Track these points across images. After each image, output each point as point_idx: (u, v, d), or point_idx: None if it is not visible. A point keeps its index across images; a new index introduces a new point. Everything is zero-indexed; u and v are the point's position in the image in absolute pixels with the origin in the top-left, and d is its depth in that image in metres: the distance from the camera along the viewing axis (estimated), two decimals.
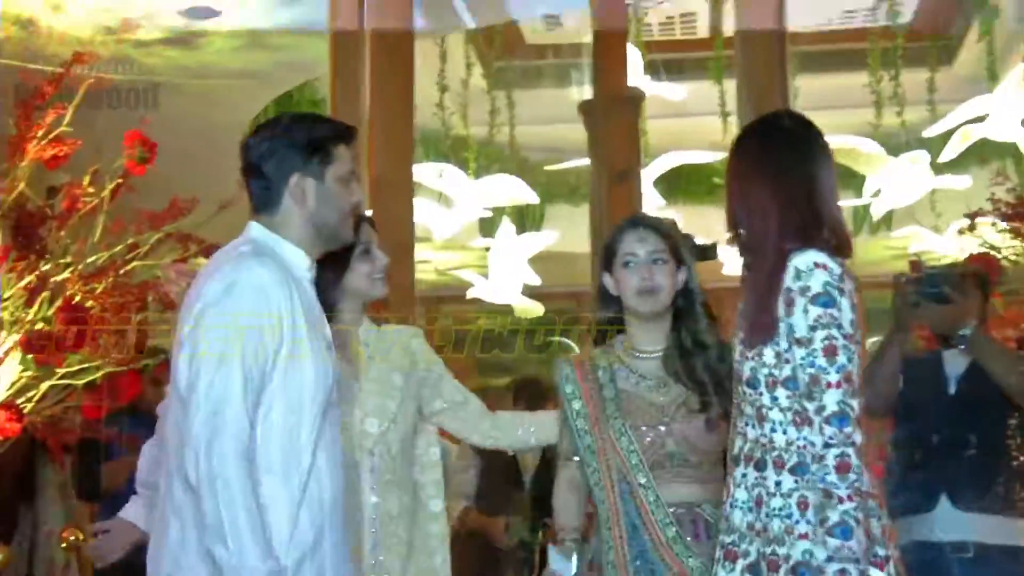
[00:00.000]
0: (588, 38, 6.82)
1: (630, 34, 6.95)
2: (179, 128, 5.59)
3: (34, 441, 5.97)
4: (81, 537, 6.42)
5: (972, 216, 5.87)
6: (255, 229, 3.08)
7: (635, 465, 3.14)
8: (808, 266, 2.74)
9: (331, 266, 3.29)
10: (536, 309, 9.01)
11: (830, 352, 2.71)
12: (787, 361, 2.79)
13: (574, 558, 3.23)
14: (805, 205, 2.86)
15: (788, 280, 2.76)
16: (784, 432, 2.81)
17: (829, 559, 2.67)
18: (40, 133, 5.05)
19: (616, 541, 3.15)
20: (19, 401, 5.01)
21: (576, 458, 3.27)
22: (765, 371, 2.82)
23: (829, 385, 2.70)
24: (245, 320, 2.92)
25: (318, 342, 3.00)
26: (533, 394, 5.65)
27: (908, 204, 7.81)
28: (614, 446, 3.17)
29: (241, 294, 2.90)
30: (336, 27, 4.61)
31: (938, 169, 7.58)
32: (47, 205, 5.13)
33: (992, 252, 5.90)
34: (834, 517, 2.67)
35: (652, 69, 7.09)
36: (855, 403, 2.71)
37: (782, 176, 2.88)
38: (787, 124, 3.00)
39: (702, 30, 7.86)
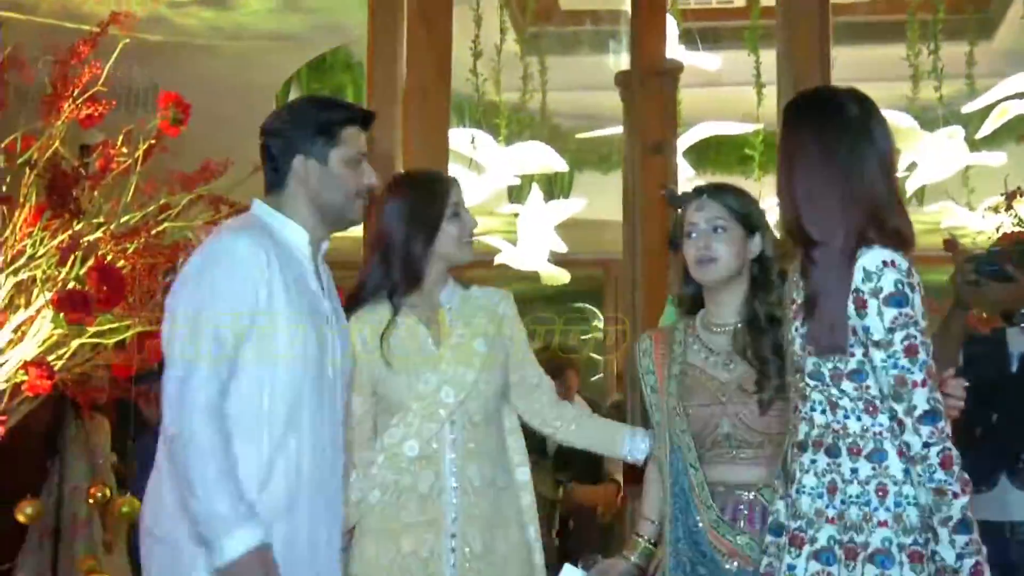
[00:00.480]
0: (626, 5, 6.77)
1: (668, 2, 6.89)
2: (213, 89, 5.57)
3: (63, 398, 6.01)
4: (107, 494, 6.47)
5: (1011, 195, 5.82)
6: (256, 206, 3.19)
7: (686, 445, 3.13)
8: (877, 266, 2.70)
9: (421, 229, 3.30)
10: (563, 276, 9.00)
11: (911, 352, 2.68)
12: (852, 355, 2.77)
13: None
14: (871, 201, 2.81)
15: (857, 282, 2.73)
16: (858, 419, 2.81)
17: (960, 556, 2.66)
18: (75, 92, 5.03)
19: (669, 517, 3.16)
20: (50, 359, 5.02)
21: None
22: (830, 366, 2.80)
23: (915, 384, 2.68)
24: (219, 288, 2.97)
25: (303, 318, 3.02)
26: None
27: (942, 179, 7.73)
28: (670, 423, 3.17)
29: (216, 264, 2.99)
30: None
31: (974, 145, 7.50)
32: (81, 164, 5.13)
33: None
34: (956, 514, 2.66)
35: (688, 38, 7.02)
36: (939, 395, 2.71)
37: (849, 169, 2.83)
38: (853, 109, 2.91)
39: None
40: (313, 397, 3.03)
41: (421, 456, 3.21)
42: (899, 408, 2.70)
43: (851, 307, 2.74)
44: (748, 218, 3.18)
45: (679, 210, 3.25)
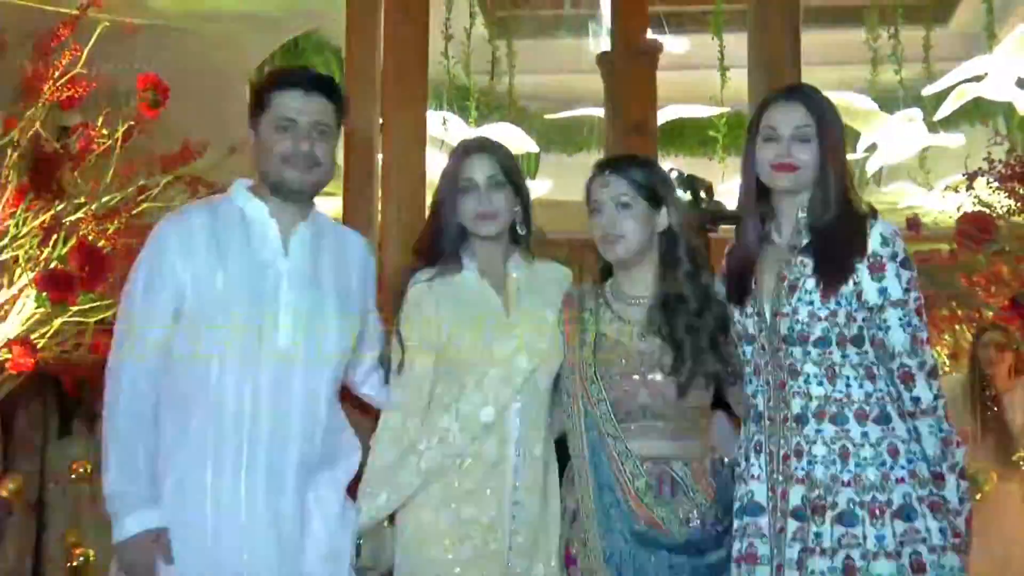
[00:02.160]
0: None
1: None
2: (189, 71, 5.56)
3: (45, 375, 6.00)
4: (88, 468, 6.47)
5: (971, 176, 5.87)
6: (233, 185, 3.15)
7: (604, 414, 3.06)
8: (892, 233, 2.86)
9: (446, 197, 3.26)
10: None
11: (920, 312, 2.85)
12: (853, 320, 2.86)
13: None
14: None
15: (876, 246, 2.84)
16: (860, 385, 2.88)
17: (961, 500, 2.82)
18: (55, 74, 5.03)
19: (583, 491, 3.10)
20: (33, 337, 5.02)
21: None
22: (836, 331, 2.86)
23: (923, 343, 2.85)
24: (138, 279, 3.01)
25: (234, 293, 2.98)
26: None
27: (901, 160, 7.80)
28: (586, 392, 3.09)
29: (148, 246, 3.04)
30: None
31: (932, 127, 7.57)
32: (62, 146, 5.12)
33: (985, 210, 5.93)
34: (960, 460, 2.82)
35: (655, 23, 7.04)
36: None
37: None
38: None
39: None
40: (245, 371, 2.96)
41: (493, 425, 3.12)
42: (912, 363, 2.81)
43: (864, 272, 2.85)
44: (654, 192, 3.11)
45: (586, 186, 3.17)
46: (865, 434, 2.85)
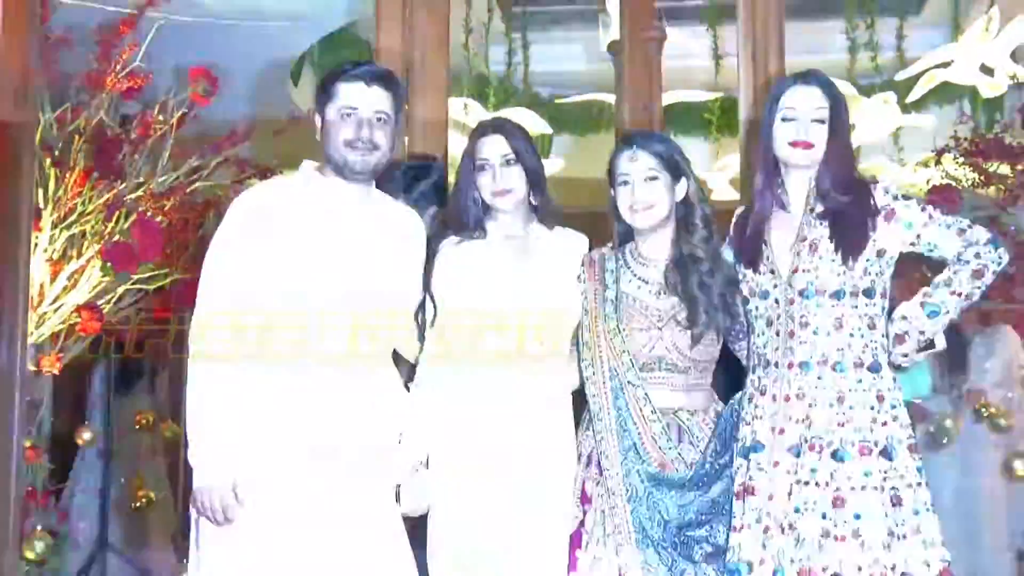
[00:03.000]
0: None
1: None
2: (238, 65, 5.56)
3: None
4: (151, 419, 6.49)
5: (939, 152, 5.86)
6: (304, 164, 3.18)
7: (626, 364, 3.08)
8: (889, 185, 3.06)
9: (464, 173, 3.26)
10: None
11: (944, 213, 3.04)
12: (867, 274, 2.95)
13: None
14: None
15: (881, 200, 3.02)
16: (862, 336, 2.94)
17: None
18: (117, 66, 5.04)
19: (606, 434, 3.08)
20: (99, 303, 5.04)
21: None
22: (851, 284, 2.93)
23: (966, 228, 3.00)
24: (217, 249, 3.04)
25: (306, 262, 3.00)
26: None
27: (877, 140, 7.75)
28: (609, 343, 3.10)
29: (226, 220, 3.07)
30: None
31: (905, 108, 7.52)
32: (123, 132, 5.13)
33: (952, 184, 5.92)
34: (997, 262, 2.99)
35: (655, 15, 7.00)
36: None
37: None
38: None
39: None
40: (317, 332, 2.99)
41: (514, 371, 3.13)
42: (971, 252, 2.94)
43: (880, 223, 2.96)
44: (676, 165, 3.13)
45: (610, 160, 3.19)
46: (859, 381, 2.93)
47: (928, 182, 6.10)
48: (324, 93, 3.12)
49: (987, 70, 6.74)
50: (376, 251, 3.10)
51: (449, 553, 3.12)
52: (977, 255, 2.90)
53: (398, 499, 3.13)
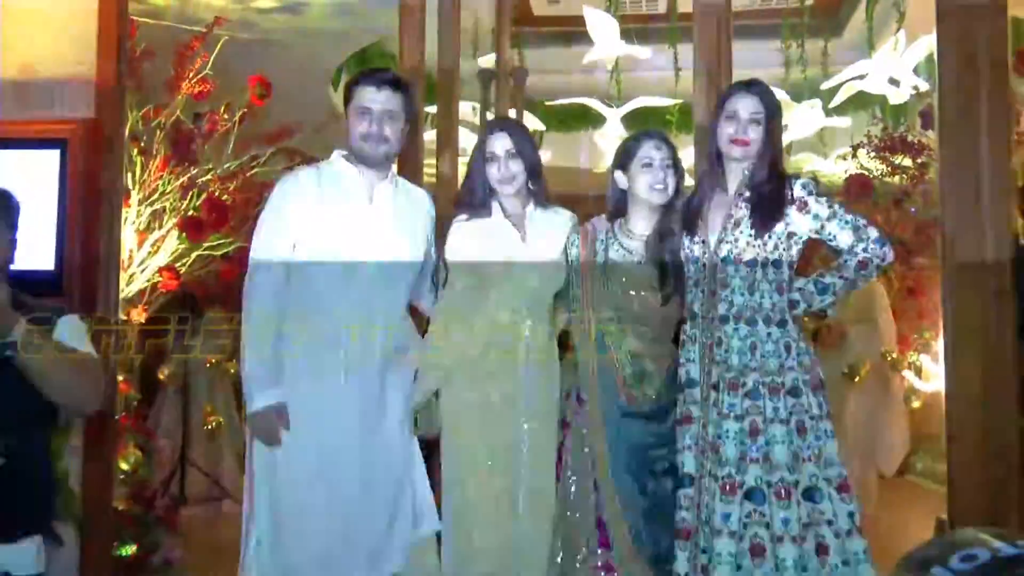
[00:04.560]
0: (581, 11, 6.74)
1: (610, 8, 6.86)
2: (287, 73, 5.55)
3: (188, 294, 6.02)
4: (218, 359, 6.50)
5: (855, 148, 5.87)
6: (335, 153, 3.16)
7: (607, 316, 3.09)
8: (807, 182, 3.03)
9: (475, 162, 3.24)
10: None
11: (848, 210, 3.03)
12: (776, 249, 2.95)
13: None
14: None
15: (797, 192, 3.00)
16: (771, 298, 2.95)
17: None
18: (190, 74, 5.05)
19: (588, 373, 3.10)
20: (176, 265, 5.05)
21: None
22: (763, 255, 2.93)
23: (864, 226, 3.00)
24: (268, 215, 3.05)
25: (335, 229, 3.01)
26: None
27: (805, 137, 7.73)
28: (596, 299, 3.11)
29: (270, 199, 3.08)
30: (403, 1, 4.52)
31: (828, 113, 7.49)
32: (195, 127, 5.14)
33: (866, 173, 5.92)
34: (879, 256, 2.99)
35: (626, 35, 6.94)
36: None
37: None
38: None
39: (662, 7, 7.67)
40: (344, 289, 2.99)
41: (510, 323, 3.13)
42: (860, 246, 2.95)
43: (793, 212, 2.96)
44: (678, 162, 3.16)
45: (632, 144, 3.18)
46: (769, 334, 2.93)
47: (846, 172, 6.11)
48: (347, 95, 3.12)
49: (894, 82, 6.71)
50: (388, 221, 3.10)
51: (456, 468, 3.13)
52: (865, 249, 2.93)
53: (416, 424, 3.14)
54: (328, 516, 2.94)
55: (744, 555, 2.81)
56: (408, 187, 3.30)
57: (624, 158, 3.17)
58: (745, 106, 3.02)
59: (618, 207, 3.23)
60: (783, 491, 2.83)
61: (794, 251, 3.00)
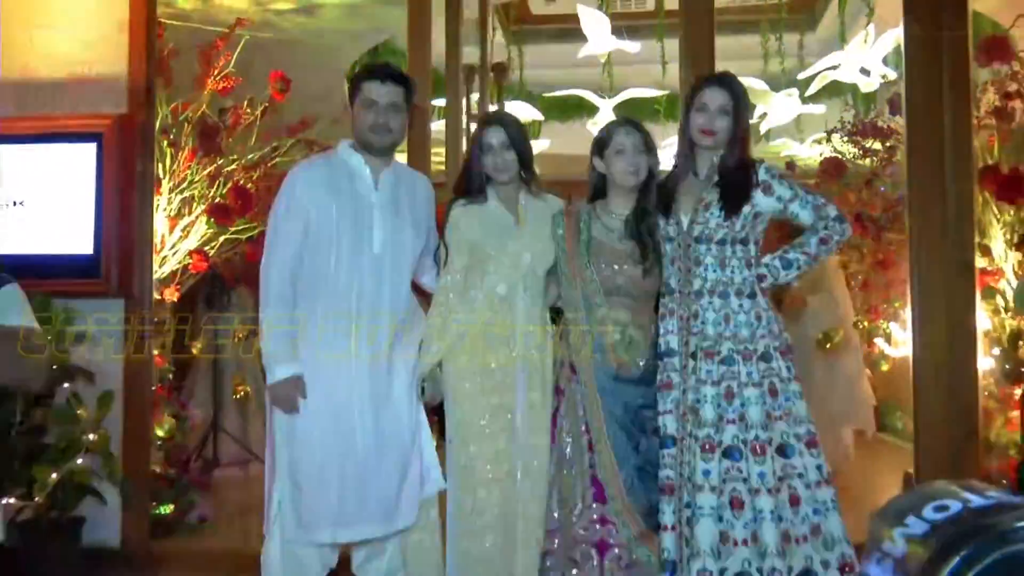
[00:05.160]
0: (575, 10, 6.71)
1: (602, 6, 6.83)
2: (304, 70, 5.53)
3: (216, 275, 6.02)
4: (245, 333, 6.51)
5: (829, 133, 5.84)
6: (339, 144, 3.14)
7: (594, 290, 3.08)
8: (770, 166, 3.01)
9: (472, 153, 3.23)
10: None
11: (810, 192, 3.00)
12: (744, 228, 2.94)
13: None
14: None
15: (762, 176, 2.98)
16: (741, 272, 2.95)
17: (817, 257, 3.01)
18: (215, 71, 5.04)
19: (579, 343, 3.09)
20: (206, 248, 5.05)
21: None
22: (731, 235, 2.93)
23: (823, 204, 2.99)
24: (280, 203, 3.03)
25: (344, 215, 2.98)
26: None
27: (783, 124, 7.69)
28: (582, 275, 3.10)
29: (281, 188, 3.05)
30: (411, 3, 4.50)
31: (804, 101, 7.45)
32: (221, 120, 5.14)
33: (839, 156, 5.90)
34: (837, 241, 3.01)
35: (617, 31, 6.91)
36: None
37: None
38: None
39: (650, 4, 7.63)
40: (352, 268, 2.97)
41: (506, 297, 3.12)
42: (821, 224, 2.95)
43: (759, 195, 2.94)
44: (650, 146, 3.13)
45: (607, 134, 3.16)
46: (741, 305, 2.93)
47: (821, 155, 6.09)
48: (354, 89, 3.09)
49: (865, 72, 6.67)
50: (392, 204, 3.08)
51: (459, 430, 3.14)
52: (825, 227, 2.93)
53: (422, 392, 3.15)
54: (342, 476, 2.95)
55: (725, 507, 2.83)
56: (409, 172, 3.30)
57: (600, 146, 3.16)
58: (714, 98, 2.99)
59: (598, 191, 3.22)
60: (758, 448, 2.84)
61: (759, 230, 3.00)
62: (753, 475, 2.83)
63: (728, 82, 3.04)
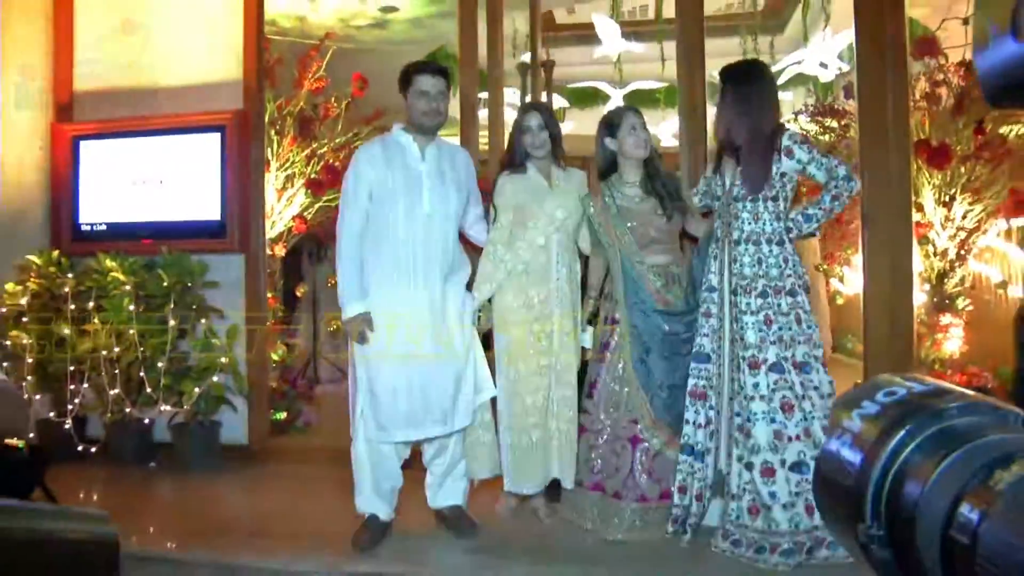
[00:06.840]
0: (591, 19, 6.61)
1: (613, 16, 6.71)
2: (378, 71, 5.52)
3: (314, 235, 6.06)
4: (335, 281, 6.56)
5: (796, 114, 5.74)
6: (394, 127, 3.09)
7: (629, 245, 3.05)
8: (793, 133, 2.87)
9: (514, 135, 3.19)
10: None
11: (825, 154, 2.87)
12: (773, 187, 2.86)
13: (589, 333, 3.22)
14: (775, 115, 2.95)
15: (784, 142, 2.85)
16: (772, 224, 2.86)
17: (831, 211, 2.88)
18: (310, 75, 5.02)
19: (623, 290, 3.07)
20: (304, 213, 5.07)
21: (598, 247, 3.20)
22: (764, 193, 2.87)
23: (835, 166, 2.85)
24: (350, 175, 2.97)
25: (399, 183, 2.92)
26: None
27: None
28: (619, 238, 3.07)
29: (353, 161, 2.99)
30: (462, 14, 4.45)
31: None
32: (314, 113, 5.13)
33: (804, 132, 5.78)
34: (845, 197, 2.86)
35: (625, 35, 6.81)
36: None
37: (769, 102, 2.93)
38: (758, 72, 2.96)
39: (651, 14, 7.48)
40: (408, 224, 2.94)
41: (544, 246, 3.12)
42: (832, 181, 2.82)
43: (784, 159, 2.82)
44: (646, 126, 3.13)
45: (617, 117, 3.13)
46: (771, 251, 2.85)
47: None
48: (406, 82, 3.02)
49: (824, 65, 6.53)
50: (437, 173, 3.03)
51: (507, 351, 3.17)
52: (836, 185, 2.81)
53: (478, 321, 3.18)
54: (409, 388, 2.96)
55: (776, 412, 2.77)
56: (449, 145, 3.21)
57: (612, 128, 3.13)
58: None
59: (608, 166, 3.19)
60: (795, 364, 2.80)
61: (788, 188, 2.89)
62: (796, 384, 2.78)
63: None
